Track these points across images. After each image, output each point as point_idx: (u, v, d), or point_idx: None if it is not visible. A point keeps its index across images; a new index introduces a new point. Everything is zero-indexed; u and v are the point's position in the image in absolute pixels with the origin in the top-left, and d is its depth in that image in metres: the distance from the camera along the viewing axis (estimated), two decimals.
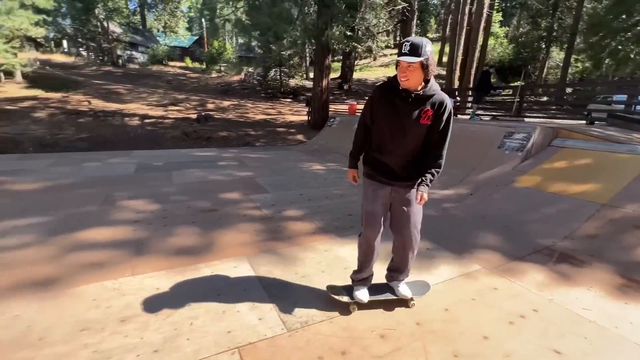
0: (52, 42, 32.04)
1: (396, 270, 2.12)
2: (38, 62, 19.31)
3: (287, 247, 2.92)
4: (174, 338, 1.73)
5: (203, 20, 40.16)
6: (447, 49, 30.07)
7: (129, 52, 32.48)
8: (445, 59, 28.63)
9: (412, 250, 1.99)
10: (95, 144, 9.36)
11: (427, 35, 38.71)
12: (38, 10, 18.45)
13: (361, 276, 2.07)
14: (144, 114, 13.57)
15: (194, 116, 13.74)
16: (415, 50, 1.61)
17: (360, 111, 2.06)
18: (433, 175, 1.83)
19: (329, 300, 2.08)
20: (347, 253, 2.79)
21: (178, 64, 35.67)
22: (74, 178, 5.13)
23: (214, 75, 31.18)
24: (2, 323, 1.82)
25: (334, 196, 4.60)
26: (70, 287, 2.17)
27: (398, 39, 32.83)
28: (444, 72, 25.37)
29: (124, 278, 2.29)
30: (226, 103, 18.42)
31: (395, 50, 30.44)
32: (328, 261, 2.67)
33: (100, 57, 29.52)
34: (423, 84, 1.72)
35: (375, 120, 1.87)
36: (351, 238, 3.04)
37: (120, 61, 29.68)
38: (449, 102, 1.78)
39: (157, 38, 39.56)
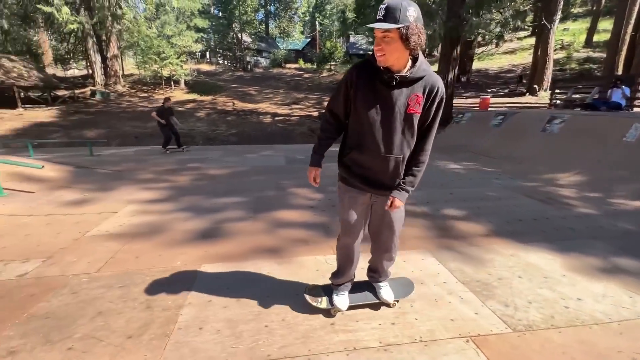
0: (199, 54, 39.20)
1: (374, 271, 1.96)
2: (195, 72, 24.02)
3: (465, 246, 2.90)
4: (404, 315, 1.95)
5: (317, 22, 42.71)
6: (601, 25, 24.31)
7: (255, 58, 37.12)
8: (597, 37, 23.23)
9: (389, 258, 1.85)
10: (241, 138, 11.14)
11: (572, 11, 31.99)
12: (197, 30, 22.81)
13: (340, 281, 1.90)
14: (273, 113, 15.42)
15: (315, 113, 14.88)
16: (391, 14, 1.24)
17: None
18: (414, 175, 1.55)
19: (540, 306, 1.99)
20: (538, 260, 2.61)
21: (293, 65, 39.01)
22: (244, 167, 6.22)
23: (324, 74, 32.89)
24: (255, 277, 2.36)
25: (489, 198, 4.33)
26: (293, 257, 2.66)
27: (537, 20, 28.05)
28: (596, 55, 20.64)
29: (330, 255, 2.68)
30: None
31: (529, 33, 26.25)
32: (520, 266, 2.54)
33: (234, 64, 34.69)
34: (410, 62, 1.38)
35: (352, 109, 1.51)
36: (535, 246, 2.83)
37: (249, 66, 34.26)
38: (441, 86, 1.44)
39: (277, 43, 44.04)
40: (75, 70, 29.53)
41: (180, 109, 16.44)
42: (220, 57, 37.01)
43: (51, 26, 21.68)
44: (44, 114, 14.64)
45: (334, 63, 34.29)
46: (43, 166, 4.70)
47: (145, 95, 21.24)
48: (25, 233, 3.07)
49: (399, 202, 1.55)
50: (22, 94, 16.35)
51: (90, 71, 22.70)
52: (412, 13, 1.26)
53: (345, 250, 1.80)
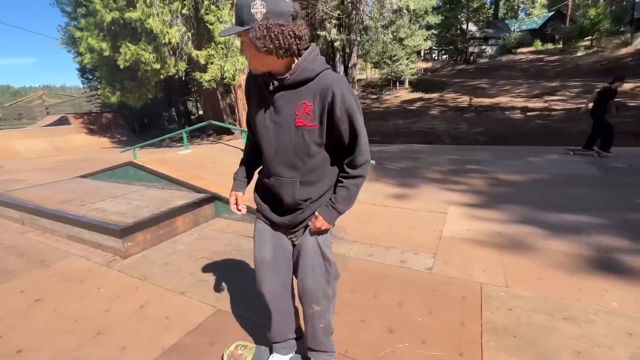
0: (425, 52, 39.53)
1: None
2: (422, 70, 24.33)
3: None
4: None
5: None
6: None
7: (480, 47, 33.41)
8: None
9: (311, 309, 1.30)
10: (491, 137, 9.90)
11: None
12: (427, 27, 22.73)
13: (275, 339, 1.47)
14: (522, 107, 13.00)
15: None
16: (237, 16, 0.98)
17: None
18: (347, 189, 1.19)
19: None
20: None
21: (525, 49, 32.27)
22: (542, 173, 5.15)
23: (580, 53, 25.09)
24: None
25: None
26: None
27: None
28: None
29: None
30: (628, 85, 13.81)
31: None
32: None
33: (454, 58, 32.63)
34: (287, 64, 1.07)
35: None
36: None
37: (471, 58, 31.27)
38: (340, 89, 1.06)
39: (508, 26, 37.85)
40: None
41: (409, 107, 16.97)
42: (440, 52, 35.91)
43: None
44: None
45: (592, 38, 25.59)
46: None
47: (375, 97, 23.47)
48: (384, 221, 3.49)
49: (321, 222, 1.22)
50: None
51: None
52: (259, 9, 0.95)
53: (269, 303, 1.39)
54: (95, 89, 21.36)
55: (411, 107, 16.90)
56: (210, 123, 6.62)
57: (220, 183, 4.16)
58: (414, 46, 22.07)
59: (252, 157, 1.40)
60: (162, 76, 9.59)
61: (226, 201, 3.76)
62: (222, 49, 8.60)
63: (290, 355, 1.51)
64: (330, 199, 1.23)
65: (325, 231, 1.29)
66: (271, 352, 1.54)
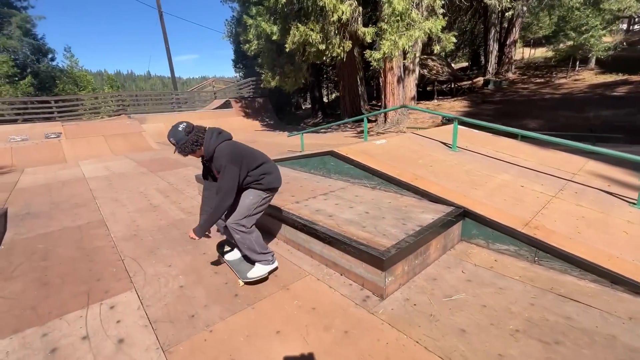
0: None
1: None
2: (624, 44, 18.01)
3: None
4: None
5: None
6: None
7: None
8: None
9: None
10: None
11: None
12: None
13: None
14: None
15: None
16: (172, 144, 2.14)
17: None
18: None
19: None
20: None
21: None
22: None
23: None
24: None
25: None
26: None
27: None
28: None
29: None
30: None
31: None
32: None
33: None
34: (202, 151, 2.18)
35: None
36: None
37: None
38: (221, 157, 2.12)
39: None
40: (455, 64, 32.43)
41: (612, 94, 12.50)
42: None
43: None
44: (457, 104, 16.49)
45: None
46: None
47: (541, 81, 18.74)
48: None
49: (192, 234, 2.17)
50: (436, 87, 19.35)
51: (483, 61, 23.34)
52: (172, 141, 2.10)
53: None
54: (245, 77, 23.91)
55: (614, 93, 12.41)
56: (404, 107, 5.51)
57: (453, 189, 2.98)
58: (618, 10, 16.31)
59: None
60: (325, 58, 9.14)
61: (478, 219, 2.56)
62: (397, 21, 7.39)
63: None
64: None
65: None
66: None
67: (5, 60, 18.31)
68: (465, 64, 30.66)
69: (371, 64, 8.11)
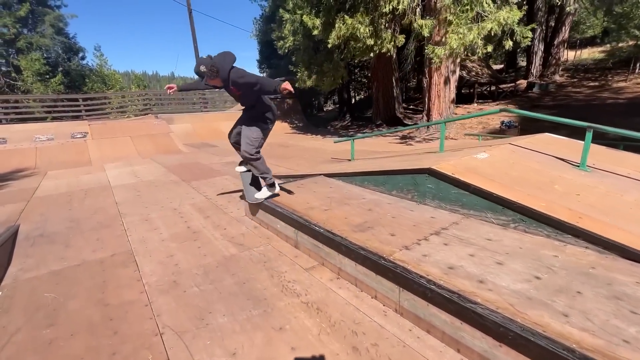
0: None
1: None
2: None
3: None
4: None
5: None
6: None
7: None
8: None
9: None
10: None
11: None
12: None
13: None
14: None
15: None
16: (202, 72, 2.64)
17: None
18: None
19: None
20: None
21: None
22: None
23: None
24: None
25: None
26: None
27: None
28: None
29: None
30: None
31: None
32: None
33: None
34: None
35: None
36: None
37: None
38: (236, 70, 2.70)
39: None
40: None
41: None
42: None
43: None
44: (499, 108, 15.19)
45: None
46: None
47: (596, 84, 17.03)
48: None
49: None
50: (476, 90, 17.97)
51: (525, 62, 21.68)
52: (204, 69, 2.59)
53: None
54: (271, 77, 23.23)
55: None
56: (505, 110, 4.46)
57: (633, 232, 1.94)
58: None
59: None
60: (372, 54, 8.17)
61: None
62: (465, 11, 6.33)
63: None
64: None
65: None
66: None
67: (37, 58, 18.41)
68: (499, 66, 28.90)
69: (433, 60, 7.06)
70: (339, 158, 7.22)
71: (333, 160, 6.97)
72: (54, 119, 13.78)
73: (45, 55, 19.99)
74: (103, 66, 24.98)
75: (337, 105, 23.39)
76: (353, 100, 26.25)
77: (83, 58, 24.19)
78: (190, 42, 16.49)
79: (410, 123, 15.12)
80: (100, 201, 4.55)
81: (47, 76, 19.24)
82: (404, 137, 11.27)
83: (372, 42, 7.75)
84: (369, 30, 7.58)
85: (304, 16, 8.58)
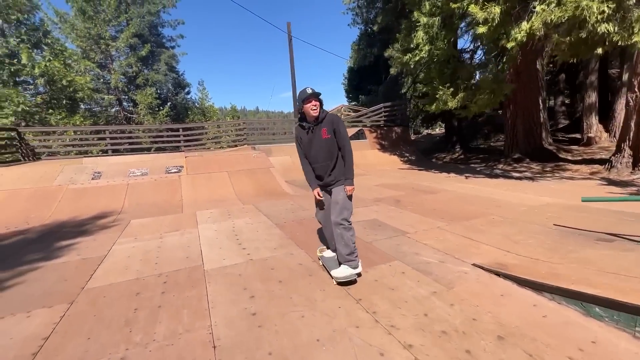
0: None
1: None
2: None
3: None
4: None
5: None
6: None
7: None
8: None
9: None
10: None
11: None
12: None
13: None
14: None
15: None
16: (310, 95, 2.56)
17: None
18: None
19: None
20: None
21: None
22: None
23: None
24: None
25: None
26: None
27: None
28: None
29: None
30: None
31: None
32: None
33: None
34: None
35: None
36: None
37: None
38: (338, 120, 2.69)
39: None
40: None
41: None
42: None
43: None
44: None
45: None
46: None
47: None
48: None
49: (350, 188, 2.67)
50: None
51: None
52: (320, 98, 2.60)
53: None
54: (367, 105, 21.23)
55: None
56: None
57: None
58: None
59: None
60: (600, 49, 5.02)
61: None
62: None
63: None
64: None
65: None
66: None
67: (151, 92, 19.72)
68: None
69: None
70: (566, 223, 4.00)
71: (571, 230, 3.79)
72: (158, 149, 13.61)
73: (158, 90, 21.56)
74: (204, 100, 26.45)
75: (444, 132, 19.85)
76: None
77: (188, 93, 25.94)
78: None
79: (569, 158, 10.92)
80: (185, 306, 2.29)
81: (157, 109, 20.48)
82: (562, 179, 7.36)
83: (612, 29, 4.60)
84: (610, 7, 4.49)
85: (471, 5, 5.94)
